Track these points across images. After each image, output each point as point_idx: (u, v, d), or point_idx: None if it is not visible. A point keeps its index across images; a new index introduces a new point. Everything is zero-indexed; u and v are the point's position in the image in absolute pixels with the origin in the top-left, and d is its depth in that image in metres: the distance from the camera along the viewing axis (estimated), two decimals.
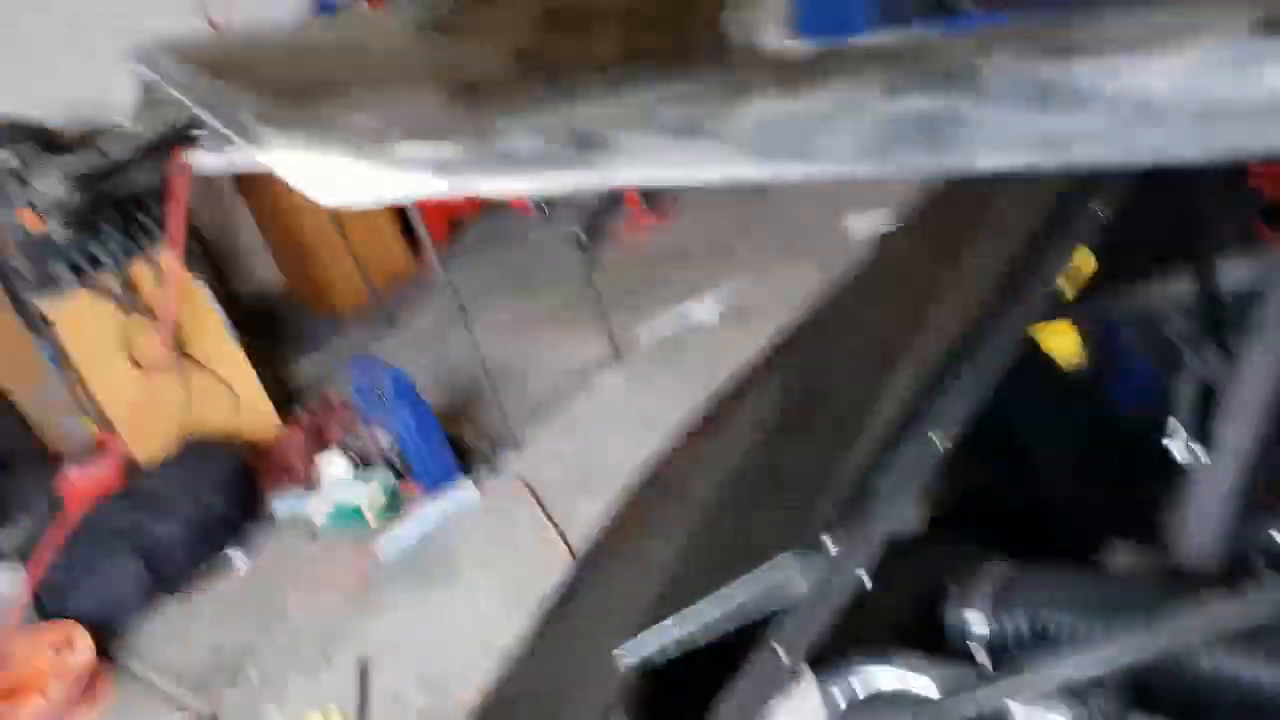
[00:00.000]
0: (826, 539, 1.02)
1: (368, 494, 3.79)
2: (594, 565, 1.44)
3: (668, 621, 1.06)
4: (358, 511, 3.78)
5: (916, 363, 1.15)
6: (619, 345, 4.23)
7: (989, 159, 0.50)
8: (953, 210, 1.51)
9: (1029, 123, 0.48)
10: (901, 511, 1.06)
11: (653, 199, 5.27)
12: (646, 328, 4.35)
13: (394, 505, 3.80)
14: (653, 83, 0.60)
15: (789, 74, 0.57)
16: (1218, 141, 0.45)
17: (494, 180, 0.65)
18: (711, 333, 4.18)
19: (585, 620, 1.32)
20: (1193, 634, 0.90)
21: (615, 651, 1.10)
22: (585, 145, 0.58)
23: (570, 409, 4.04)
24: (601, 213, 5.29)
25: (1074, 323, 1.44)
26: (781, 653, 0.99)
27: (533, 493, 3.65)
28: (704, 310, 4.35)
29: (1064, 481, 1.71)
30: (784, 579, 1.01)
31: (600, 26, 0.80)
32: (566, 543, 3.34)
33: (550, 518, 3.51)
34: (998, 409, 1.58)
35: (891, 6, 0.68)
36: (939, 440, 1.09)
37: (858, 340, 1.33)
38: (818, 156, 0.53)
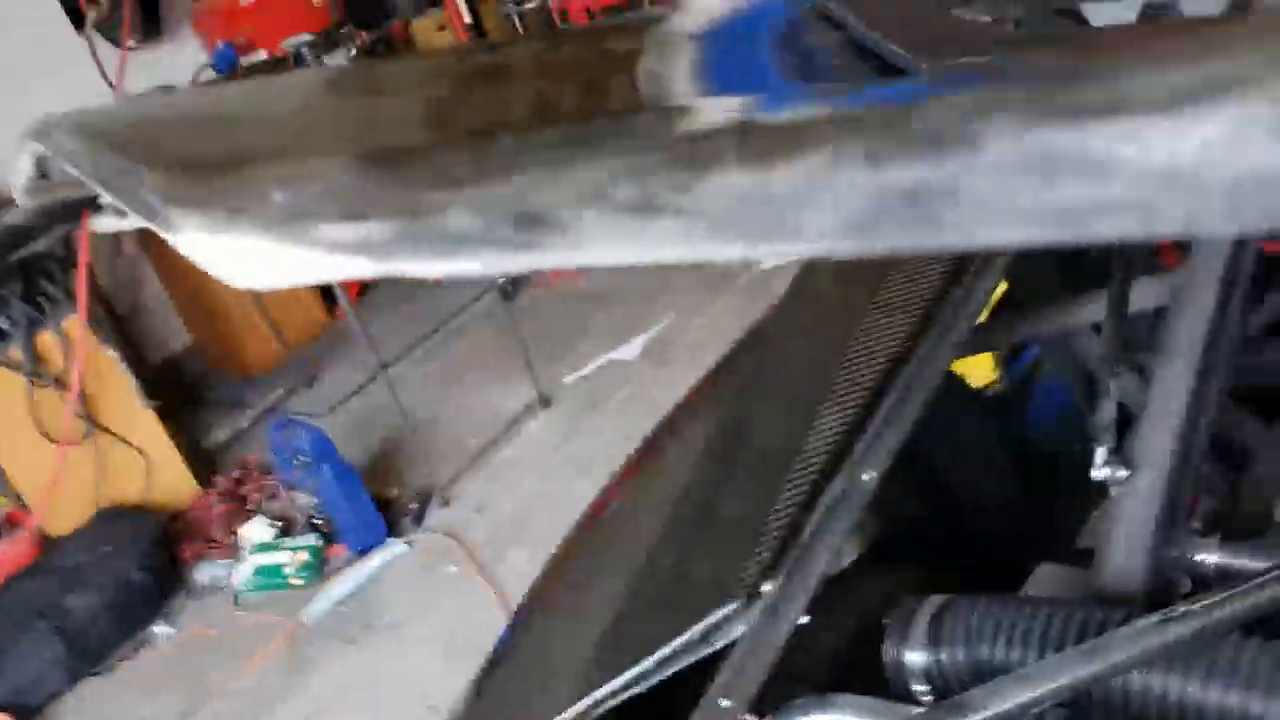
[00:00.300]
0: (763, 584, 1.02)
1: (291, 558, 3.70)
2: (531, 623, 1.42)
3: (604, 688, 1.05)
4: (282, 576, 3.69)
5: (843, 399, 1.16)
6: (545, 391, 4.20)
7: (989, 234, 0.44)
8: None
9: (1037, 195, 0.42)
10: (836, 551, 1.06)
11: None
12: (573, 372, 4.33)
13: (319, 568, 3.72)
14: (602, 154, 0.55)
15: (757, 143, 0.51)
16: (1257, 214, 0.39)
17: (428, 263, 0.60)
18: (639, 375, 4.18)
19: (524, 681, 1.30)
20: (1124, 657, 0.92)
21: None
22: (531, 225, 0.53)
23: (498, 459, 4.00)
24: None
25: (990, 347, 1.46)
26: (724, 702, 0.98)
27: (463, 547, 3.60)
28: (630, 352, 4.35)
29: (989, 507, 1.74)
30: (723, 627, 1.01)
31: (517, 83, 0.77)
32: (500, 596, 3.30)
33: (482, 572, 3.46)
34: (920, 437, 1.61)
35: (805, 66, 0.65)
36: (869, 477, 1.10)
37: (784, 378, 1.34)
38: (793, 235, 0.48)
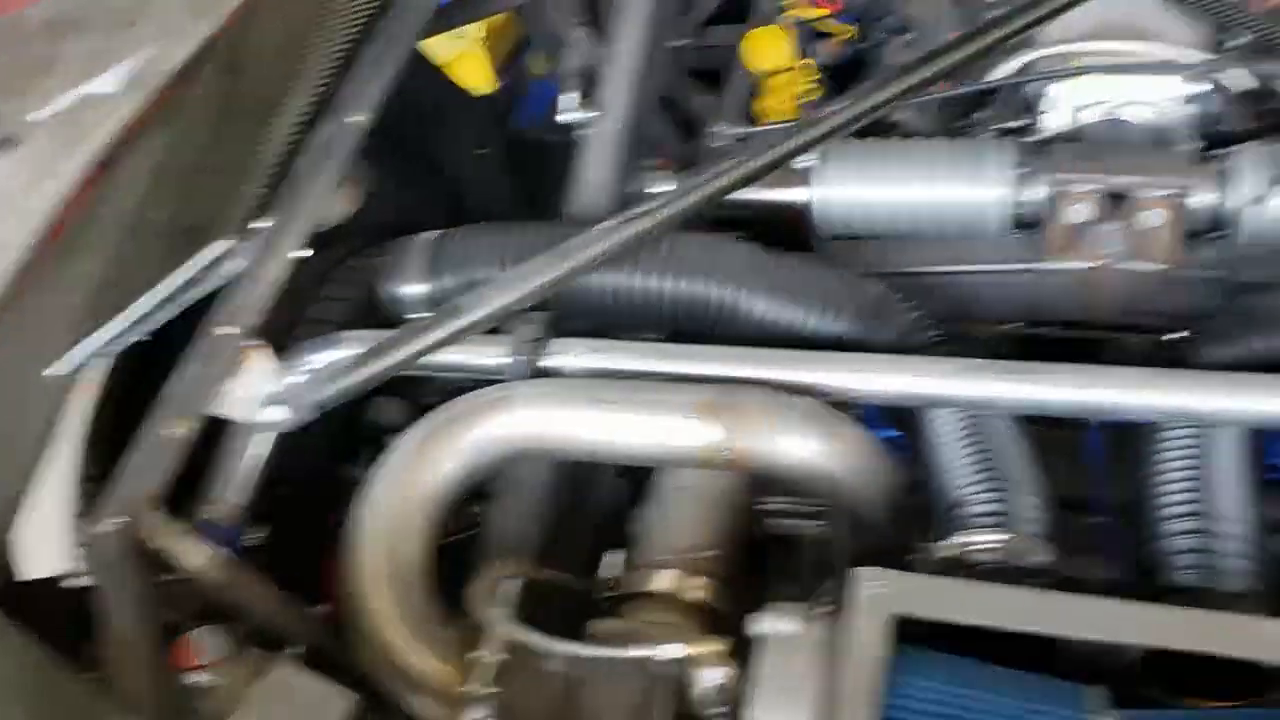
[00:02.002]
0: (258, 221, 1.04)
1: None
2: None
3: (101, 332, 1.02)
4: None
5: (325, 50, 1.16)
6: (9, 131, 3.74)
7: None
8: None
9: None
10: (328, 189, 1.10)
11: None
12: (42, 109, 3.87)
13: None
14: None
15: None
16: None
17: None
18: (119, 110, 3.82)
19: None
20: (586, 257, 1.05)
21: (46, 372, 1.04)
22: None
23: None
24: None
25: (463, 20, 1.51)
26: (225, 329, 1.00)
27: None
28: (110, 83, 3.95)
29: (485, 193, 1.85)
30: (220, 263, 1.02)
31: None
32: None
33: None
34: (423, 139, 1.65)
35: None
36: (355, 120, 1.13)
37: (264, 45, 1.30)
38: None
